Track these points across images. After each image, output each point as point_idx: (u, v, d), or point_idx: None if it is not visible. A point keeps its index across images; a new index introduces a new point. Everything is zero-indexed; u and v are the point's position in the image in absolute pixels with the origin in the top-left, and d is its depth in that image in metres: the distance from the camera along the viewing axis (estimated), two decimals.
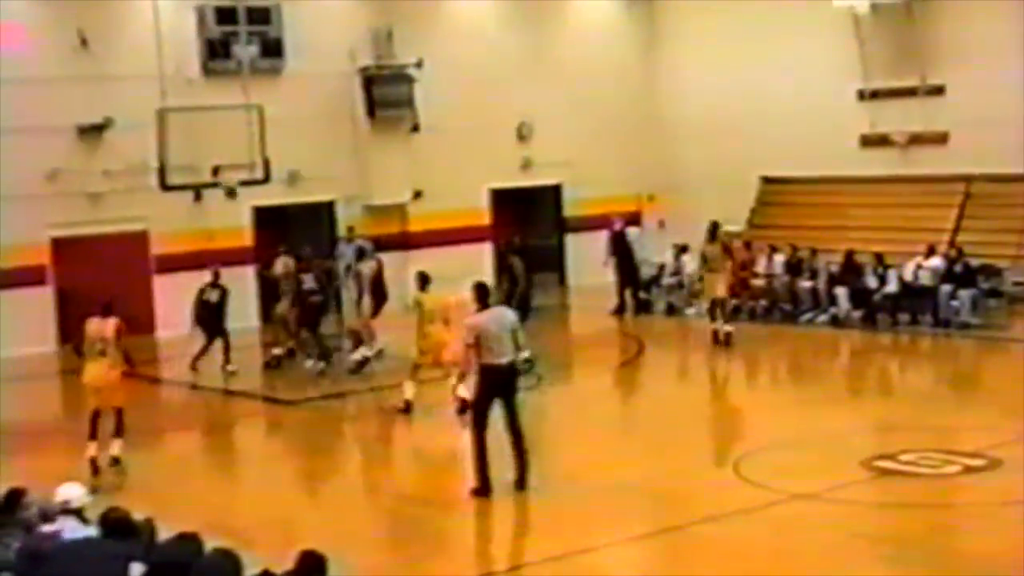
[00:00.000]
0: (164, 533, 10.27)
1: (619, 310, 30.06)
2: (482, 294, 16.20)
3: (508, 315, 16.18)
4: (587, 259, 32.10)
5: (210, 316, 25.23)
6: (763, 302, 28.94)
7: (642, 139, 35.04)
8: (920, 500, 15.48)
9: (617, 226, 30.64)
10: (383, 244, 31.16)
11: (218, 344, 25.23)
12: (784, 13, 30.83)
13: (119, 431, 18.16)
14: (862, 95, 31.54)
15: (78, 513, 10.79)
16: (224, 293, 25.34)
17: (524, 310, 24.61)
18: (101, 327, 18.25)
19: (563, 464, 17.59)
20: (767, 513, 15.06)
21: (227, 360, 24.98)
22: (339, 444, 20.87)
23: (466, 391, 18.94)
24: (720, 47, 33.58)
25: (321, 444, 20.35)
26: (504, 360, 15.76)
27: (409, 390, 20.84)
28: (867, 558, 13.58)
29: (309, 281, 24.83)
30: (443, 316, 20.45)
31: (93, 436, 18.04)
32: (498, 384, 15.81)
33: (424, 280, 21.01)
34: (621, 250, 30.42)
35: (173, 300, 27.85)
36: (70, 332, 27.17)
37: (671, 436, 19.21)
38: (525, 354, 16.81)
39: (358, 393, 23.47)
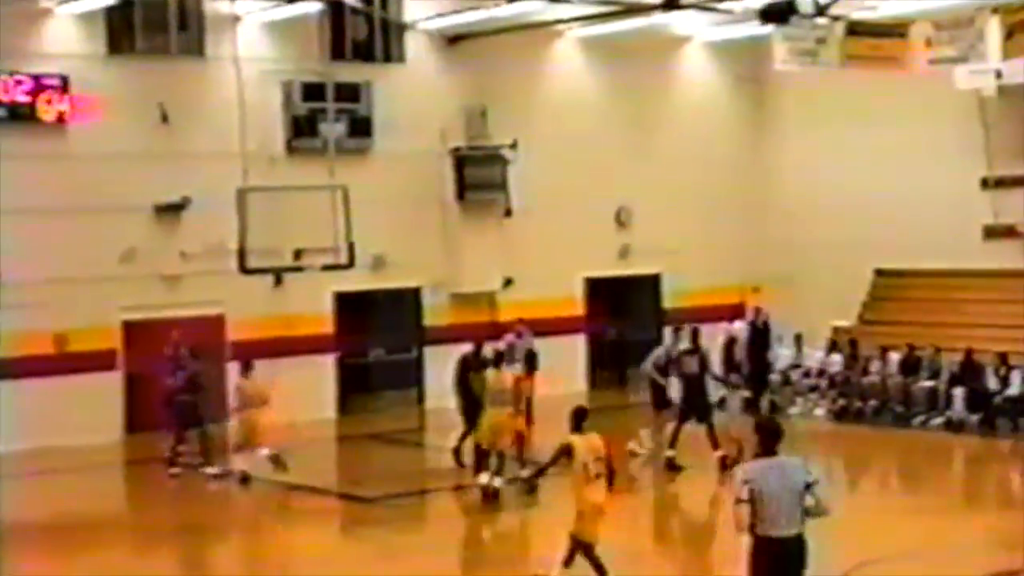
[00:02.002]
0: None
1: (753, 402, 29.68)
2: (767, 435, 12.04)
3: (797, 468, 11.98)
4: None
5: (182, 404, 24.46)
6: (873, 402, 28.56)
7: (747, 227, 34.84)
8: None
9: (750, 315, 30.51)
10: (470, 334, 31.31)
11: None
12: (902, 96, 30.52)
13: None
14: (986, 183, 31.14)
15: None
16: (196, 375, 24.59)
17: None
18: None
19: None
20: None
21: (205, 458, 24.22)
22: (416, 544, 20.59)
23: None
24: (832, 131, 33.33)
25: (398, 544, 20.15)
26: (789, 532, 11.80)
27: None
28: None
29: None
30: (498, 397, 21.61)
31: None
32: (779, 567, 11.90)
33: (499, 359, 22.60)
34: (758, 342, 30.18)
35: None
36: (138, 420, 27.54)
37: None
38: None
39: (442, 491, 23.51)
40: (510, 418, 21.93)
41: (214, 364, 27.15)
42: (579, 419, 16.14)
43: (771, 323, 31.24)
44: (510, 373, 22.18)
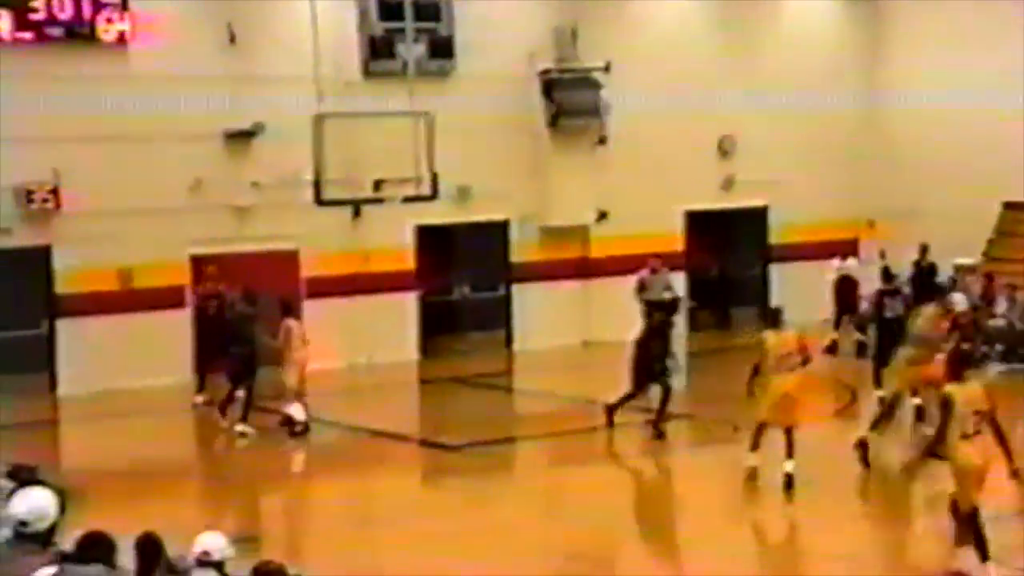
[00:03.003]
0: None
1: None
2: None
3: None
4: (796, 292, 31.48)
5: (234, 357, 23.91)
6: (999, 347, 28.23)
7: (862, 157, 34.42)
8: None
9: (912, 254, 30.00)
10: (561, 272, 31.33)
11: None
12: None
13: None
14: None
15: (218, 567, 10.71)
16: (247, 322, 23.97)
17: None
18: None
19: (767, 526, 17.27)
20: None
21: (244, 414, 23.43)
22: (502, 494, 20.65)
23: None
24: (955, 52, 32.78)
25: (482, 494, 20.24)
26: None
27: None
28: None
29: None
30: (784, 361, 19.29)
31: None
32: None
33: (776, 316, 20.56)
34: (923, 285, 28.94)
35: (324, 328, 27.89)
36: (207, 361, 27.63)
37: (887, 506, 19.08)
38: None
39: (532, 439, 23.60)
40: (797, 387, 19.38)
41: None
42: (961, 364, 15.30)
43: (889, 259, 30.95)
44: (793, 333, 19.83)
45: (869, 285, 29.25)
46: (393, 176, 26.41)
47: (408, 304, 30.28)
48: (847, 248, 32.32)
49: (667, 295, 28.66)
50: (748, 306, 34.11)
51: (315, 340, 26.84)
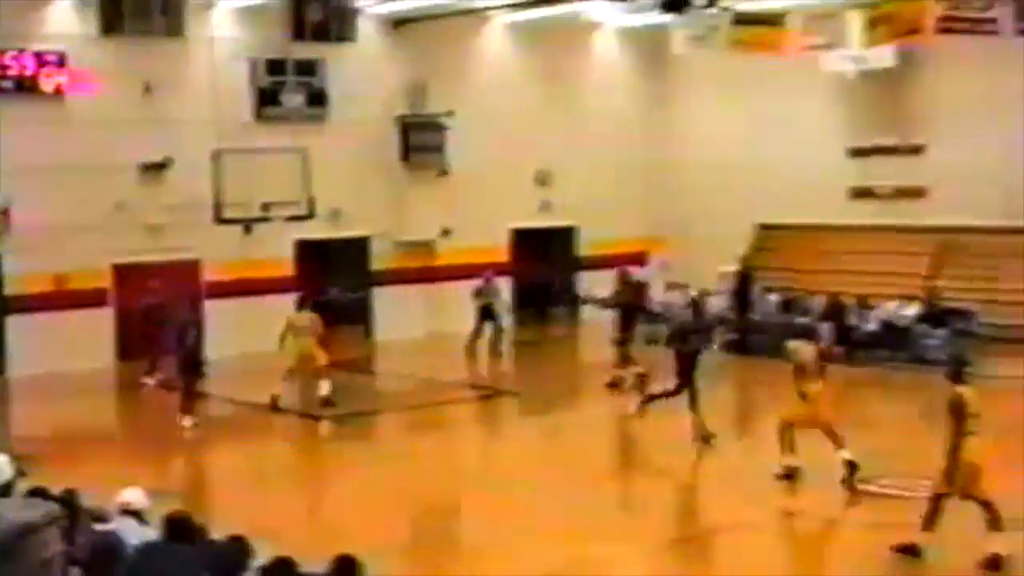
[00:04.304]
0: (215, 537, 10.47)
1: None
2: None
3: None
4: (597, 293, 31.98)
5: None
6: (757, 336, 29.07)
7: (651, 187, 35.08)
8: (897, 520, 15.02)
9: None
10: (412, 277, 31.70)
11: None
12: (782, 77, 30.86)
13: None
14: (851, 152, 31.82)
15: (137, 515, 10.98)
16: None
17: None
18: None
19: (597, 481, 17.69)
20: (763, 528, 15.42)
21: (186, 407, 22.14)
22: (369, 457, 20.84)
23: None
24: (725, 105, 33.74)
25: (353, 456, 20.58)
26: None
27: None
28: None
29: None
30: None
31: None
32: None
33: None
34: (741, 290, 29.89)
35: (221, 324, 28.18)
36: (127, 349, 27.68)
37: (665, 458, 19.46)
38: None
39: (392, 411, 23.97)
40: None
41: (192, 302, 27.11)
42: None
43: (669, 269, 31.94)
44: (811, 346, 18.25)
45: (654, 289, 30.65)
46: (278, 200, 26.54)
47: (289, 303, 30.15)
48: (638, 260, 33.00)
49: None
50: (560, 306, 34.85)
51: (212, 334, 27.25)
